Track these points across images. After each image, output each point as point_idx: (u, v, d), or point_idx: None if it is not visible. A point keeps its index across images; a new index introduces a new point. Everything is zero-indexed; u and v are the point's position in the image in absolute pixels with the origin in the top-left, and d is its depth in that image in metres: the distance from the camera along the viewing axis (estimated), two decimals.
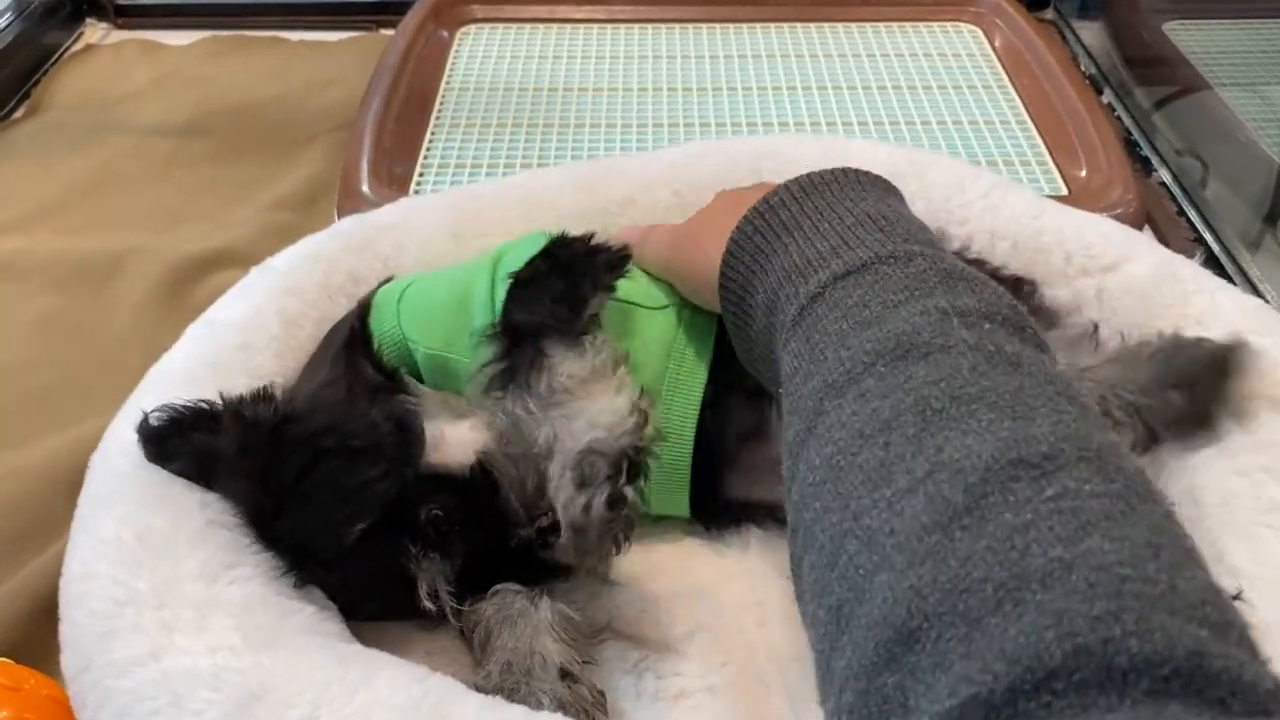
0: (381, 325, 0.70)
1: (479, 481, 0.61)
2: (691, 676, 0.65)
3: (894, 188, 0.60)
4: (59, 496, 0.70)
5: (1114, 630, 0.31)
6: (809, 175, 0.58)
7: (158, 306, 1.00)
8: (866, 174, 0.60)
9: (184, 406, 0.64)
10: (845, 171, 0.59)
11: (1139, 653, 0.31)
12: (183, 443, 0.63)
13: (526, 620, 0.61)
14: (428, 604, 0.59)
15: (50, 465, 0.81)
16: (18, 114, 1.35)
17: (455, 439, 0.63)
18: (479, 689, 0.56)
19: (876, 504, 0.39)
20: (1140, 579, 0.33)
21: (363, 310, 0.72)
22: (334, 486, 0.59)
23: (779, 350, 0.53)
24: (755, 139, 1.10)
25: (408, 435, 0.62)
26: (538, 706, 0.56)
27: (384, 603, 0.63)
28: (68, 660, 0.58)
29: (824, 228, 0.54)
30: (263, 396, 0.64)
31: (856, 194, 0.57)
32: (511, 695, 0.57)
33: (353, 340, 0.69)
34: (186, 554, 0.60)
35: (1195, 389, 0.69)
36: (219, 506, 0.62)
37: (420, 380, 0.68)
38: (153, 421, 0.63)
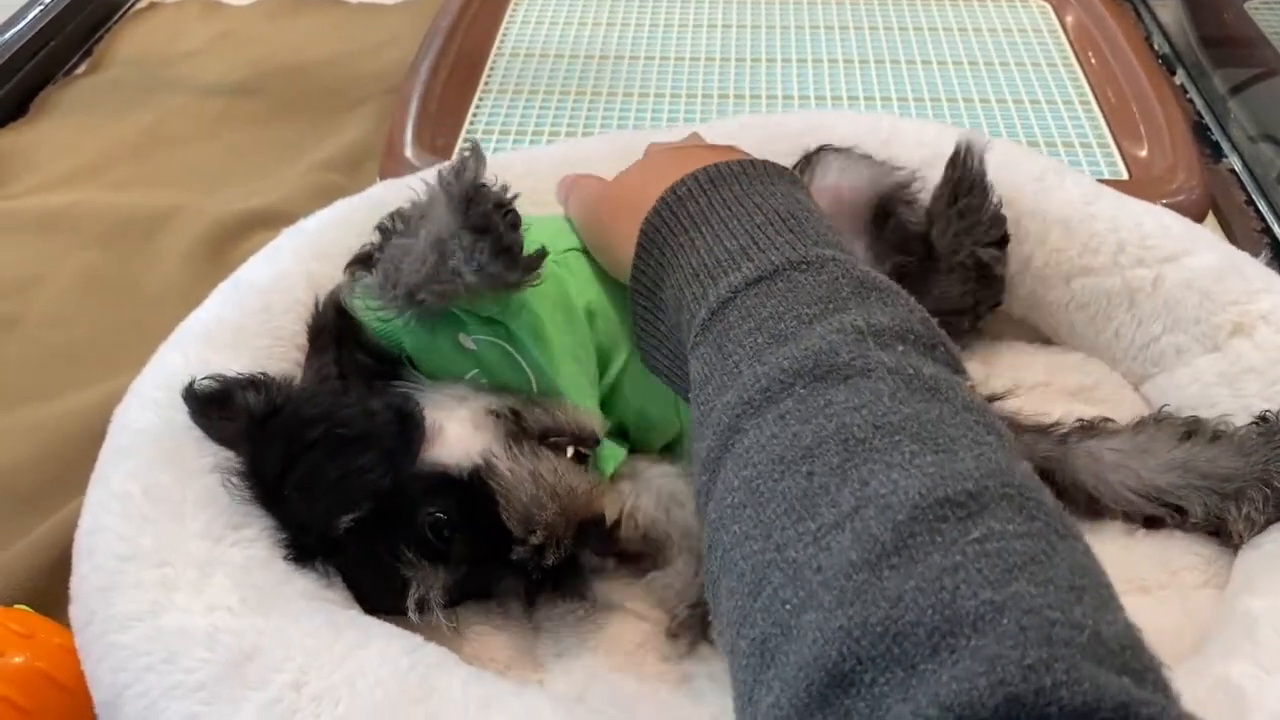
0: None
1: (480, 487, 0.59)
2: (697, 661, 0.63)
3: (801, 182, 0.58)
4: (87, 449, 0.70)
5: (1045, 680, 0.31)
6: (715, 166, 0.56)
7: (198, 265, 1.00)
8: (774, 166, 0.57)
9: (233, 376, 0.64)
10: (753, 163, 0.57)
11: (1069, 704, 0.31)
12: (221, 412, 0.63)
13: None
14: (414, 615, 0.58)
15: (80, 418, 0.82)
16: (80, 69, 1.37)
17: (455, 435, 0.61)
18: None
19: (801, 537, 0.38)
20: (1068, 624, 0.33)
21: (336, 299, 0.71)
22: (320, 477, 0.58)
23: (687, 353, 0.52)
24: (800, 113, 1.06)
25: (407, 425, 0.60)
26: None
27: (378, 601, 0.61)
28: (75, 612, 0.59)
29: (733, 225, 0.53)
30: (254, 383, 0.63)
31: (765, 188, 0.55)
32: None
33: (340, 328, 0.69)
34: (193, 513, 0.60)
35: (961, 192, 0.78)
36: (229, 469, 0.62)
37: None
38: (197, 388, 0.63)
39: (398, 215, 0.67)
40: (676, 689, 0.62)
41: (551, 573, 0.59)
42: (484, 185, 0.60)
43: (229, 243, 1.03)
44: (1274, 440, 0.65)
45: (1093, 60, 1.22)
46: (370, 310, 0.65)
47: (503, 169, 0.86)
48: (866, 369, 0.43)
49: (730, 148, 0.66)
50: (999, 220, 0.80)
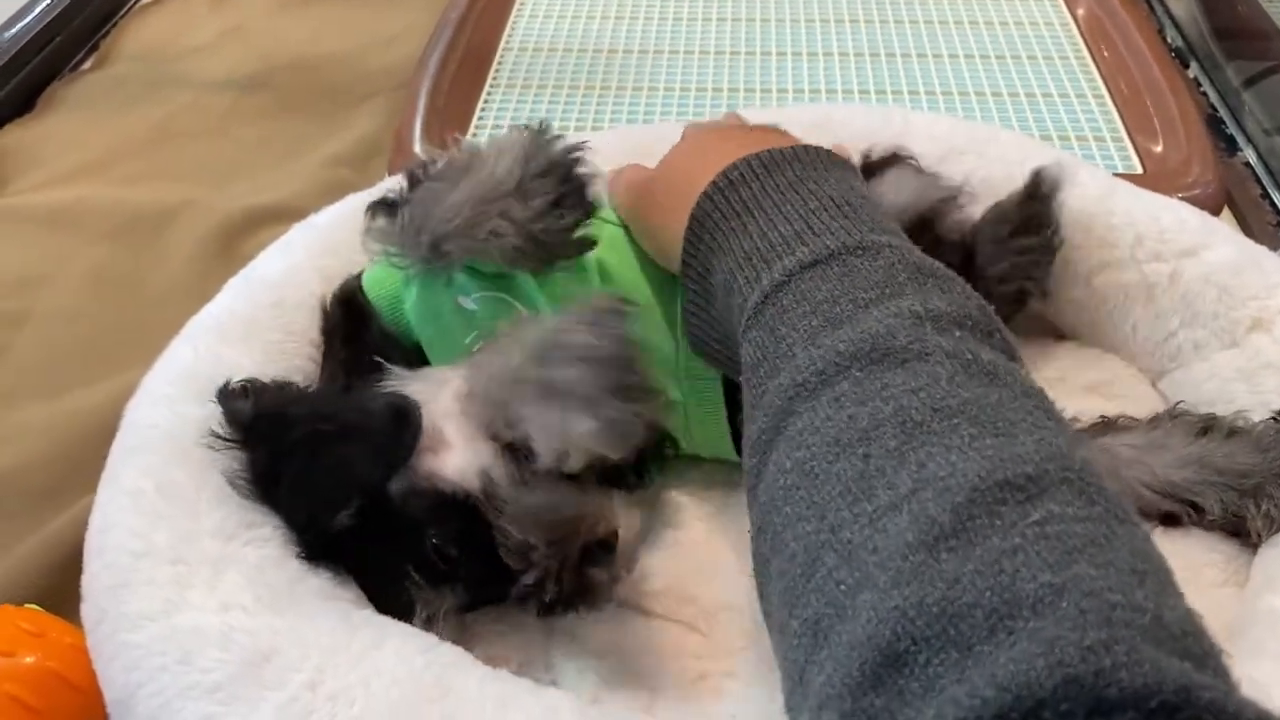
0: (380, 289, 0.68)
1: (479, 512, 0.57)
2: (710, 659, 0.63)
3: (855, 169, 0.58)
4: (97, 447, 0.70)
5: (1105, 662, 0.31)
6: (769, 151, 0.55)
7: (207, 260, 1.00)
8: (827, 153, 0.57)
9: (228, 386, 0.63)
10: (806, 149, 0.56)
11: (1129, 685, 0.30)
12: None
13: None
14: (421, 627, 0.57)
15: (90, 415, 0.82)
16: (86, 65, 1.36)
17: (452, 441, 0.59)
18: None
19: (857, 518, 0.38)
20: (1129, 607, 0.33)
21: (345, 294, 0.70)
22: (306, 476, 0.58)
23: (739, 337, 0.51)
24: (809, 106, 1.06)
25: (400, 422, 0.58)
26: None
27: (385, 608, 0.59)
28: (86, 610, 0.58)
29: (786, 210, 0.52)
30: (244, 390, 0.62)
31: (819, 174, 0.54)
32: None
33: (349, 327, 0.68)
34: (207, 510, 0.59)
35: (1027, 225, 0.76)
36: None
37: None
38: (230, 388, 0.63)
39: (430, 164, 0.65)
40: (692, 688, 0.62)
41: (560, 595, 0.57)
42: (575, 154, 0.61)
43: (238, 238, 1.02)
44: None
45: (1105, 53, 1.21)
46: (383, 255, 0.64)
47: None
48: (924, 353, 0.42)
49: (771, 127, 0.66)
50: (1054, 255, 0.79)
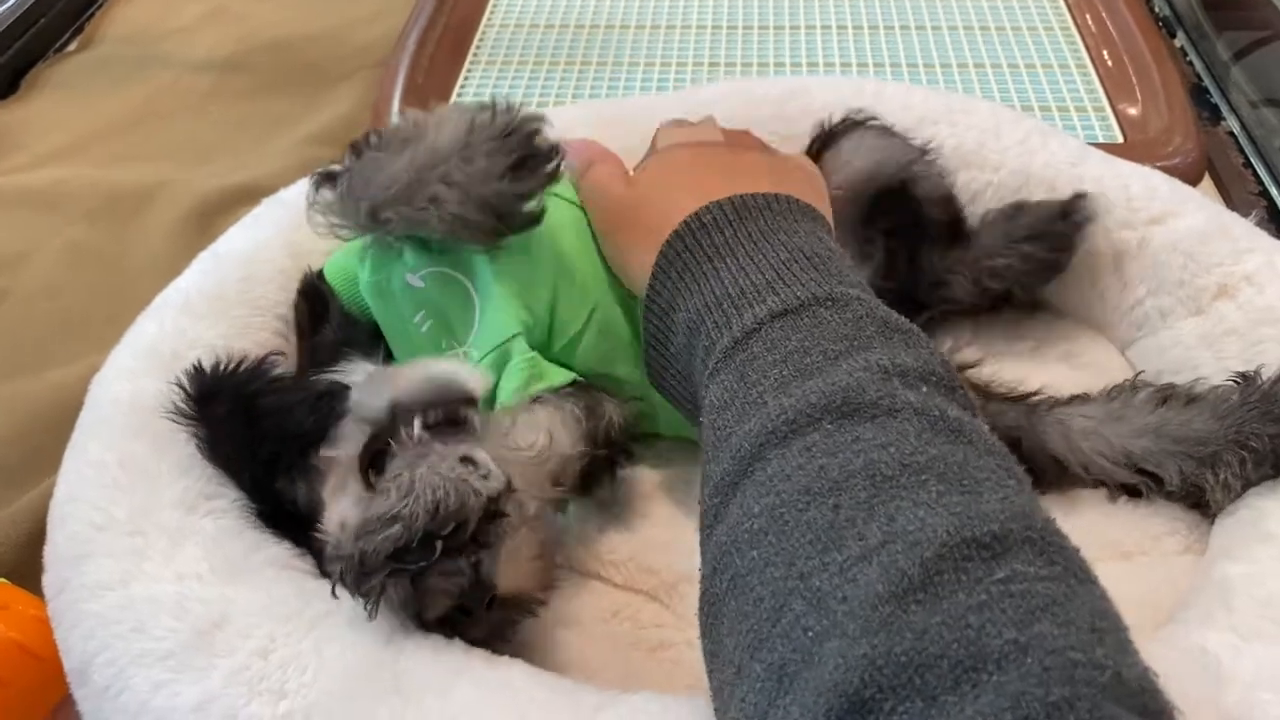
0: (338, 273, 0.68)
1: None
2: (673, 628, 0.63)
3: (824, 219, 0.59)
4: (70, 423, 0.70)
5: (1068, 718, 0.32)
6: (742, 198, 0.57)
7: (186, 239, 1.00)
8: (797, 202, 0.58)
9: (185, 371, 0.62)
10: (778, 198, 0.57)
11: None
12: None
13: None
14: None
15: (64, 392, 0.81)
16: (71, 46, 1.36)
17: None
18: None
19: (826, 567, 0.39)
20: (1090, 665, 0.34)
21: (306, 285, 0.71)
22: (242, 445, 0.59)
23: (702, 377, 0.52)
24: (783, 79, 1.05)
25: (320, 404, 0.58)
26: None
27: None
28: (48, 581, 0.58)
29: (758, 259, 0.53)
30: (195, 370, 0.61)
31: (789, 224, 0.56)
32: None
33: (312, 314, 0.69)
34: (167, 483, 0.60)
35: (1046, 238, 0.75)
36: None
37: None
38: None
39: (375, 133, 0.63)
40: (653, 657, 0.62)
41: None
42: (533, 124, 0.60)
43: (217, 218, 1.02)
44: (1250, 401, 0.63)
45: (1090, 23, 1.20)
46: (327, 226, 0.64)
47: None
48: (893, 408, 0.43)
49: (745, 141, 0.67)
50: (1057, 275, 0.78)
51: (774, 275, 0.52)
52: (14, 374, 0.88)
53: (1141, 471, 0.65)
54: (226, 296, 0.72)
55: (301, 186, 0.81)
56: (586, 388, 0.65)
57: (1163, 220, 0.75)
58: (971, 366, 0.73)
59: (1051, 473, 0.67)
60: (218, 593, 0.54)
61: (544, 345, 0.65)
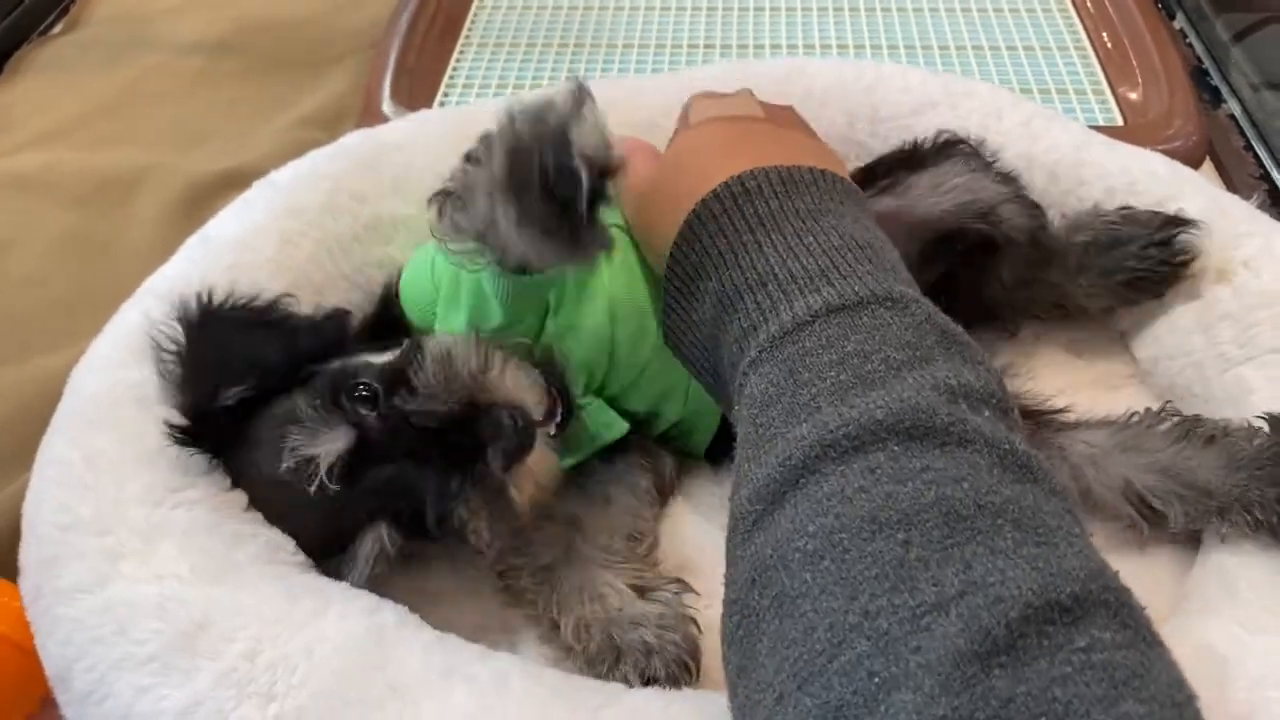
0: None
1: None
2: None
3: (867, 204, 0.56)
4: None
5: None
6: (789, 169, 0.53)
7: (175, 223, 0.98)
8: (845, 182, 0.55)
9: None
10: (824, 174, 0.54)
11: None
12: None
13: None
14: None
15: (51, 380, 0.79)
16: (56, 29, 1.34)
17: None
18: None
19: (896, 609, 0.37)
20: None
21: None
22: (214, 351, 0.59)
23: (736, 359, 0.49)
24: (783, 60, 1.04)
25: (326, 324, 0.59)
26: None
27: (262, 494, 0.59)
28: (23, 585, 0.58)
29: (808, 241, 0.50)
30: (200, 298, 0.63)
31: (838, 206, 0.53)
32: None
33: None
34: (132, 477, 0.58)
35: (1146, 282, 0.72)
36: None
37: None
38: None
39: (484, 139, 0.56)
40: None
41: (464, 470, 0.55)
42: (570, 136, 0.50)
43: (206, 202, 1.01)
44: (1263, 454, 0.59)
45: (1089, 4, 1.18)
46: (455, 251, 0.59)
47: (483, 115, 0.85)
48: (965, 438, 0.41)
49: (788, 110, 0.64)
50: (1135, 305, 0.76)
51: (827, 262, 0.49)
52: (3, 361, 0.87)
53: (1146, 507, 0.61)
54: (214, 283, 0.70)
55: (294, 168, 0.80)
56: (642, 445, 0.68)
57: (1163, 204, 0.75)
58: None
59: None
60: (200, 593, 0.53)
61: (601, 387, 0.66)
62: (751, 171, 0.53)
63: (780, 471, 0.42)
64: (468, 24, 1.21)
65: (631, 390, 0.67)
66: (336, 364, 0.59)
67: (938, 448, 0.41)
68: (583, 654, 0.58)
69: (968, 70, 1.10)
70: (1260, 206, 0.76)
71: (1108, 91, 1.06)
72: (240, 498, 0.59)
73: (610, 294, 0.64)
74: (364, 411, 0.56)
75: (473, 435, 0.55)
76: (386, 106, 1.04)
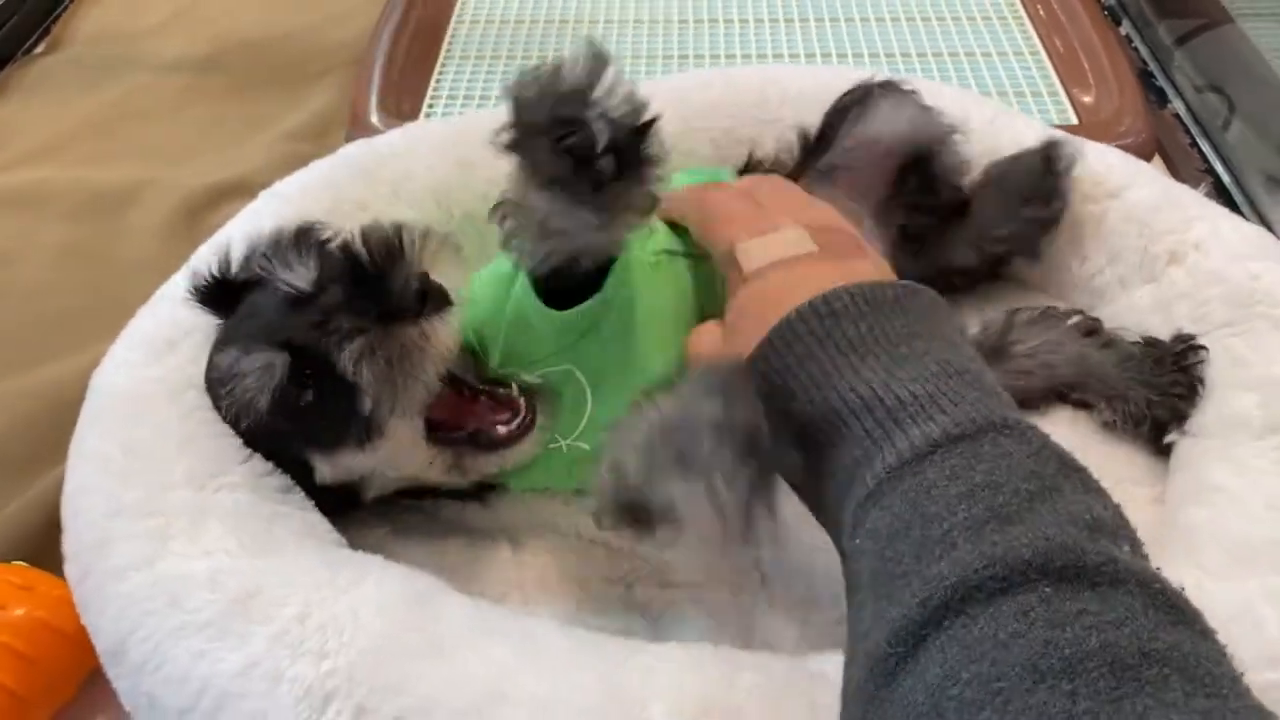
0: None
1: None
2: (679, 588, 0.66)
3: (955, 314, 0.54)
4: (68, 417, 0.72)
5: None
6: (871, 288, 0.51)
7: (171, 236, 1.02)
8: (929, 295, 0.53)
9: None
10: (906, 289, 0.52)
11: None
12: None
13: None
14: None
15: (61, 386, 0.83)
16: (39, 49, 1.36)
17: None
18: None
19: None
20: None
21: None
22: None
23: (846, 489, 0.48)
24: (760, 67, 1.09)
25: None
26: None
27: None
28: (70, 570, 0.60)
29: (910, 367, 0.48)
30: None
31: (930, 326, 0.51)
32: None
33: None
34: (173, 464, 0.61)
35: (1041, 196, 0.80)
36: (199, 416, 0.64)
37: None
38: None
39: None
40: (664, 614, 0.65)
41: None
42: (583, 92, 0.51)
43: (200, 214, 1.04)
44: (1145, 360, 0.72)
45: (1040, 12, 1.25)
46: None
47: (476, 124, 0.88)
48: (1117, 578, 0.39)
49: (839, 232, 0.60)
50: (1057, 225, 0.82)
51: (934, 389, 0.47)
52: (10, 370, 0.89)
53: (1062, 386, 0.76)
54: None
55: (300, 178, 0.84)
56: None
57: (1119, 194, 0.80)
58: None
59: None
60: (249, 564, 0.56)
61: None
62: (835, 291, 0.51)
63: (921, 612, 0.40)
64: (448, 38, 1.25)
65: None
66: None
67: (1090, 589, 0.39)
68: None
69: (930, 77, 1.15)
70: (1207, 195, 0.82)
71: (1062, 93, 1.12)
72: (276, 480, 0.63)
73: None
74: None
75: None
76: (375, 118, 1.07)
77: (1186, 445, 0.69)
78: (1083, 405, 0.76)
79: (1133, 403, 0.72)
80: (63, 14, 1.42)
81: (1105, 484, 0.67)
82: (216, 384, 0.63)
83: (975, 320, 0.81)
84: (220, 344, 0.64)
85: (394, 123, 1.05)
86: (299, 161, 0.99)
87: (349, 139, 1.05)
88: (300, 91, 1.23)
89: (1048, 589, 0.39)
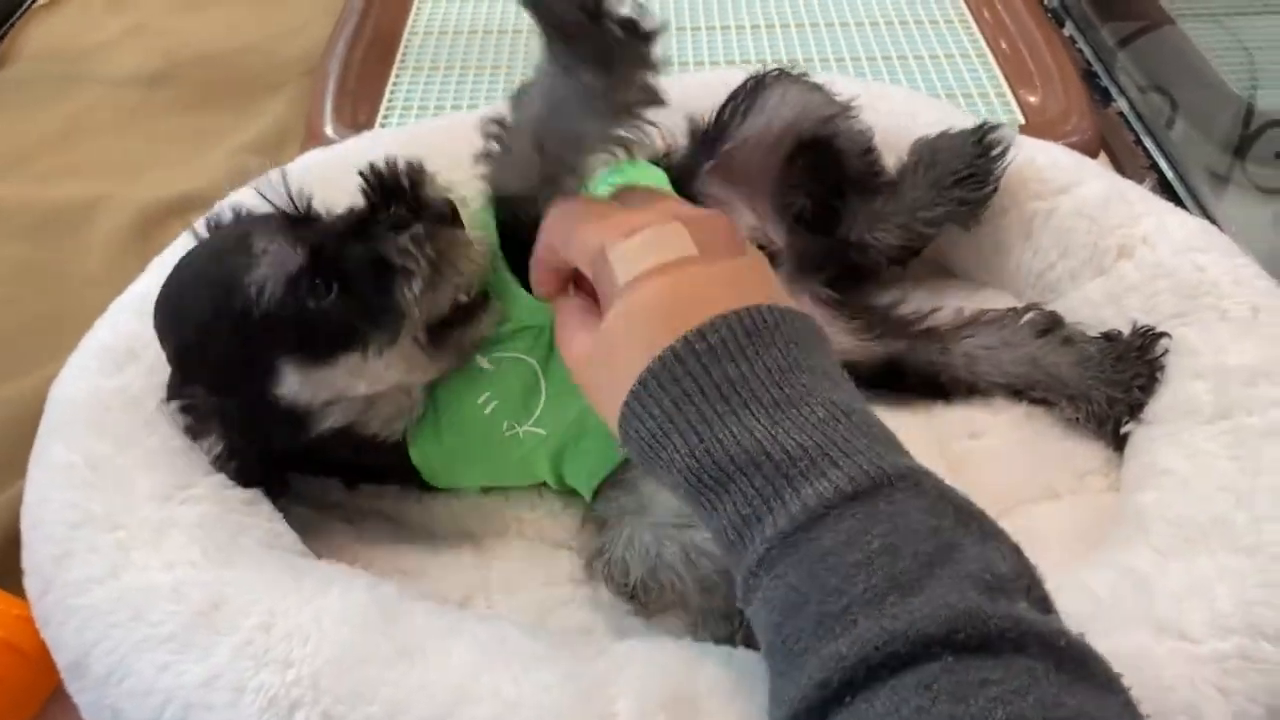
0: None
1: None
2: None
3: (826, 337, 0.52)
4: (26, 434, 0.72)
5: None
6: (749, 315, 0.48)
7: (127, 251, 1.01)
8: (805, 320, 0.50)
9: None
10: (785, 315, 0.49)
11: None
12: None
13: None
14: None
15: (19, 404, 0.82)
16: None
17: None
18: None
19: None
20: None
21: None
22: None
23: (737, 553, 0.45)
24: (718, 71, 1.10)
25: None
26: None
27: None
28: (30, 584, 0.60)
29: (793, 413, 0.46)
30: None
31: (809, 359, 0.48)
32: None
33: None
34: (138, 476, 0.61)
35: (973, 178, 0.81)
36: (165, 431, 0.64)
37: None
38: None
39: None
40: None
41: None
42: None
43: (155, 229, 1.04)
44: (1106, 358, 0.73)
45: (986, 15, 1.27)
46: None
47: (433, 131, 0.88)
48: (1019, 643, 0.39)
49: (714, 219, 0.54)
50: (984, 208, 0.83)
51: (823, 437, 0.45)
52: None
53: (1016, 389, 0.77)
54: None
55: (249, 194, 0.83)
56: None
57: (1068, 189, 0.81)
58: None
59: (962, 392, 0.77)
60: (212, 575, 0.56)
61: None
62: (712, 323, 0.48)
63: (817, 691, 0.40)
64: (401, 49, 1.25)
65: None
66: None
67: (992, 656, 0.38)
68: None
69: (879, 78, 1.17)
70: (1152, 190, 0.84)
71: (1009, 94, 1.14)
72: (239, 493, 0.63)
73: None
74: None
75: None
76: (330, 129, 1.07)
77: (1140, 433, 0.71)
78: (1043, 403, 0.76)
79: (1095, 402, 0.73)
80: (10, 30, 1.40)
81: (1066, 479, 0.71)
82: (228, 274, 0.61)
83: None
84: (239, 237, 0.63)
85: (349, 134, 1.05)
86: (253, 174, 0.98)
87: (305, 151, 1.05)
88: (253, 105, 1.23)
89: (950, 658, 0.38)
